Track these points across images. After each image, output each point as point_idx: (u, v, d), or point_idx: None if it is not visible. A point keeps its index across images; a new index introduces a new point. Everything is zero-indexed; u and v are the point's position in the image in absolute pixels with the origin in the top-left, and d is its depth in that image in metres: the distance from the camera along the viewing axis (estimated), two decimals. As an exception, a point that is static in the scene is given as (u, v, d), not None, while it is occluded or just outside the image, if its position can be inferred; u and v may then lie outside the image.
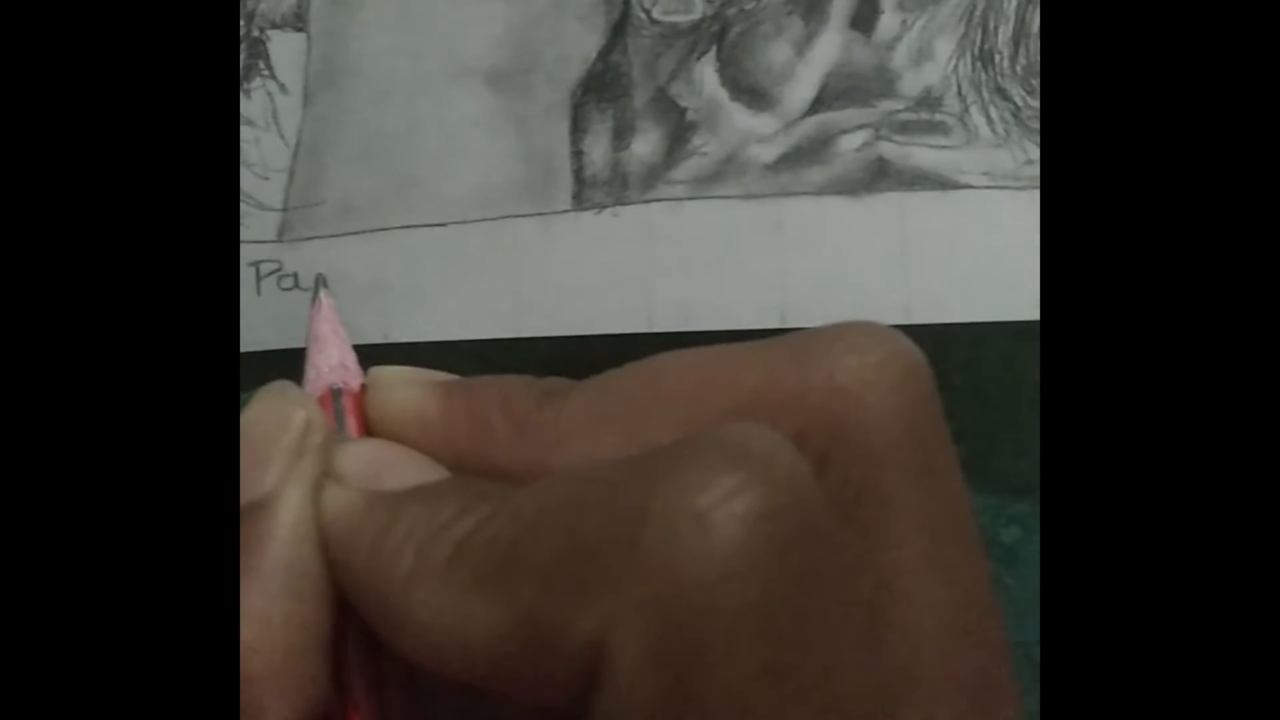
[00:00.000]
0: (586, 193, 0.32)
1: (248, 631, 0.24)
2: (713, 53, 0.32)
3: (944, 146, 0.32)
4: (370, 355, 0.33)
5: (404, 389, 0.27)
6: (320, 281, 0.31)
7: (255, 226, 0.33)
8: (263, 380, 0.33)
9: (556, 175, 0.32)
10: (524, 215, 0.32)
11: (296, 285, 0.33)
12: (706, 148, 0.32)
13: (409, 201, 0.33)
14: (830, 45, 0.32)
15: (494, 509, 0.23)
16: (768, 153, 0.32)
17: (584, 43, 0.32)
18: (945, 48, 0.32)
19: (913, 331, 0.31)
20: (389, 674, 0.26)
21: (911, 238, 0.32)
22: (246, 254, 0.33)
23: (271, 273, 0.33)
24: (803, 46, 0.32)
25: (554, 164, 0.32)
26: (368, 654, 0.26)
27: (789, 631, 0.20)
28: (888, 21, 0.32)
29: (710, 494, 0.20)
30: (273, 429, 0.26)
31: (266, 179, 0.33)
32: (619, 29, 0.32)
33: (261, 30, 0.32)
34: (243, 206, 0.33)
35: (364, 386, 0.28)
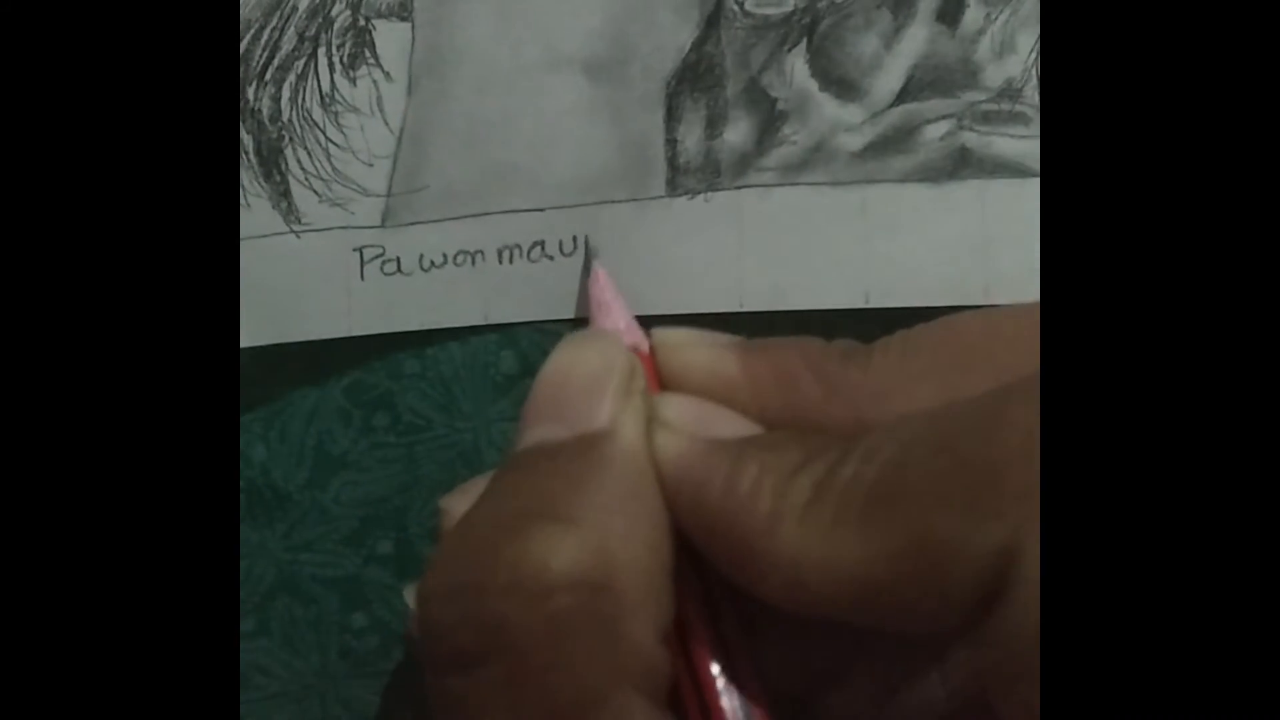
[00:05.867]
0: (680, 179, 0.33)
1: (614, 550, 0.25)
2: (803, 45, 0.33)
3: (1024, 136, 0.33)
4: (473, 334, 0.34)
5: (696, 350, 0.29)
6: (592, 251, 0.32)
7: (360, 212, 0.34)
8: (365, 365, 0.34)
9: (651, 162, 0.34)
10: (619, 201, 0.33)
11: (399, 270, 0.34)
12: (796, 136, 0.33)
13: (508, 187, 0.34)
14: (917, 38, 0.33)
15: (842, 452, 0.25)
16: (854, 141, 0.33)
17: (678, 34, 0.33)
18: (1027, 41, 0.33)
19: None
20: (721, 608, 0.27)
21: (991, 223, 0.33)
22: (351, 239, 0.34)
23: (375, 258, 0.34)
24: (890, 39, 0.33)
25: (649, 151, 0.33)
26: (702, 587, 0.27)
27: None
28: (972, 15, 0.33)
29: None
30: (601, 369, 0.27)
31: (371, 165, 0.34)
32: (712, 21, 0.33)
33: (367, 19, 0.33)
34: (348, 192, 0.34)
35: (651, 348, 0.30)
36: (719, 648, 0.26)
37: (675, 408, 0.28)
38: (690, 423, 0.27)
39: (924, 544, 0.23)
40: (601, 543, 0.25)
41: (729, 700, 0.26)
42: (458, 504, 0.28)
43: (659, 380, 0.29)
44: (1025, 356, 0.25)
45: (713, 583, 0.27)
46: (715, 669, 0.26)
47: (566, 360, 0.28)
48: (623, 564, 0.25)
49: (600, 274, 0.32)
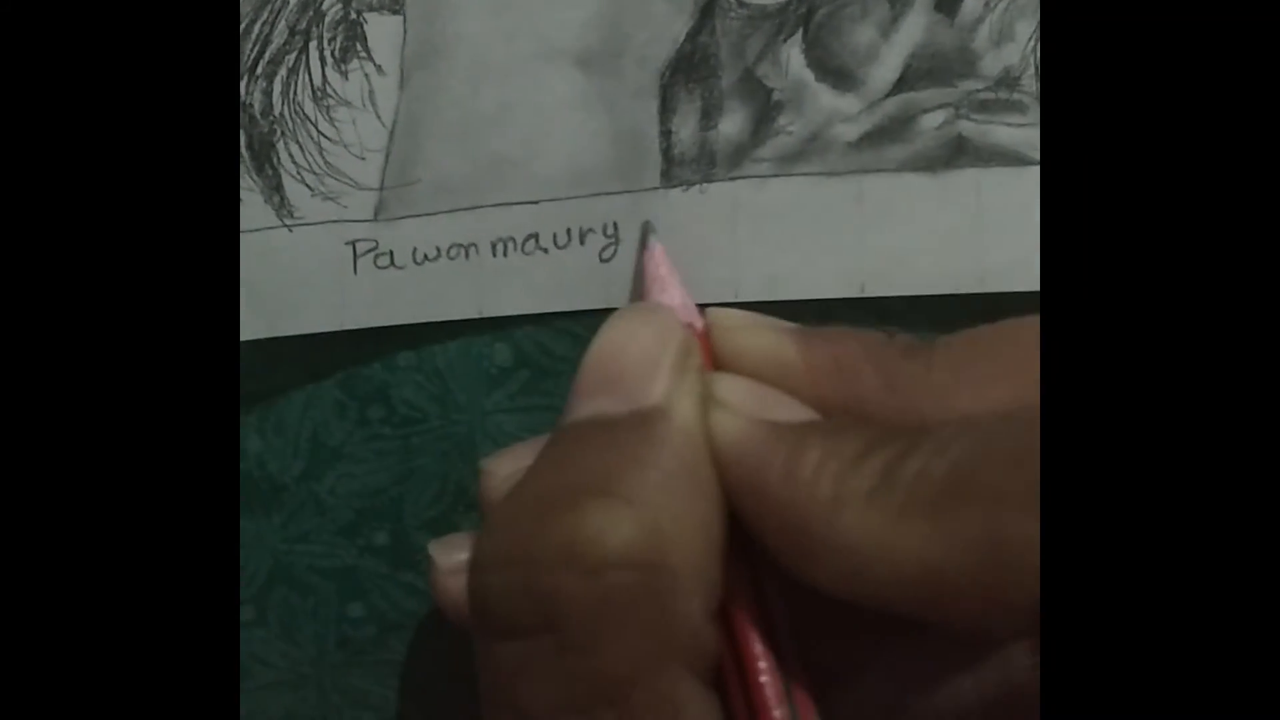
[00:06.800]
0: (675, 170, 0.33)
1: (668, 529, 0.25)
2: (799, 34, 0.33)
3: (1020, 124, 0.33)
4: (467, 327, 0.34)
5: (753, 332, 0.29)
6: (648, 227, 0.31)
7: (353, 206, 0.33)
8: (359, 357, 0.34)
9: (646, 154, 0.33)
10: (614, 193, 0.33)
11: (392, 264, 0.33)
12: (792, 127, 0.33)
13: (501, 180, 0.33)
14: (915, 27, 0.33)
15: (908, 443, 0.24)
16: (851, 132, 0.33)
17: (673, 25, 0.33)
18: (1025, 29, 0.33)
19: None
20: (766, 589, 0.27)
21: (987, 212, 0.33)
22: (344, 233, 0.33)
23: (368, 251, 0.33)
24: (888, 28, 0.33)
25: (643, 143, 0.33)
26: (749, 567, 0.27)
27: None
28: (971, 4, 0.32)
29: None
30: (655, 344, 0.27)
31: (363, 159, 0.33)
32: (707, 11, 0.33)
33: (359, 12, 0.33)
34: (340, 186, 0.33)
35: (706, 327, 0.29)
36: (764, 628, 0.26)
37: (733, 388, 0.27)
38: (748, 404, 0.27)
39: (995, 541, 0.23)
40: (656, 521, 0.25)
41: (771, 680, 0.26)
42: (501, 465, 0.29)
43: (713, 360, 0.29)
44: None
45: (759, 563, 0.27)
46: (758, 649, 0.26)
47: (621, 333, 0.28)
48: (676, 543, 0.25)
49: (658, 249, 0.32)
